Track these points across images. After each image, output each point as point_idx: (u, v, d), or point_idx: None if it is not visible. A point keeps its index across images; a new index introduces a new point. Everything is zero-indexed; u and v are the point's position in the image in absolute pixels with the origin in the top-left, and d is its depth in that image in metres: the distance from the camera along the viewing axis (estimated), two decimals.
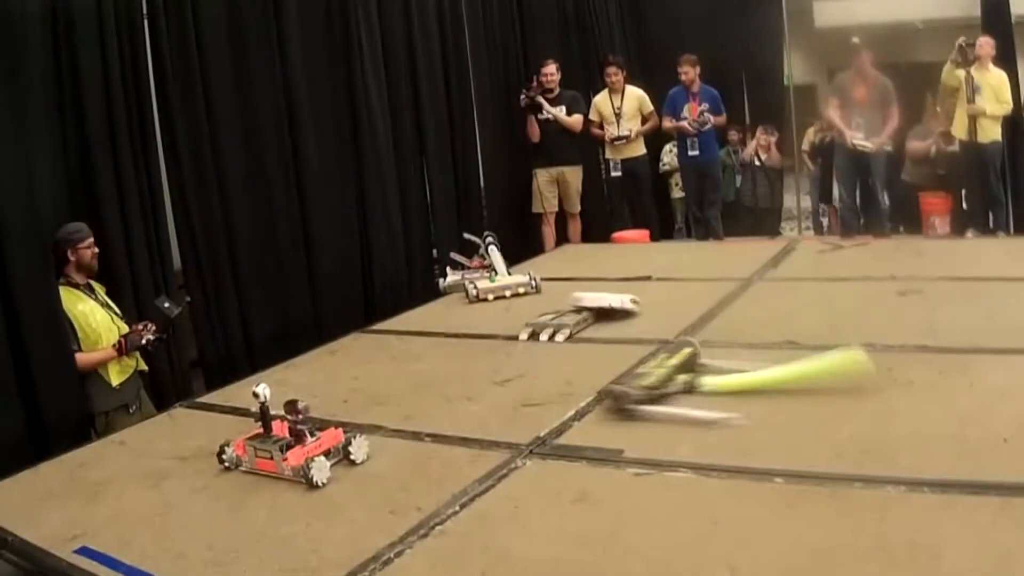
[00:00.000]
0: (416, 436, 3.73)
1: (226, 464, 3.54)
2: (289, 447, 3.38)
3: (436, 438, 3.69)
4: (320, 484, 3.27)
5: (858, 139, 9.50)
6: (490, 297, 6.13)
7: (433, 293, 6.93)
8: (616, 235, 9.08)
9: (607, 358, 4.51)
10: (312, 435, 3.42)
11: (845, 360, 3.82)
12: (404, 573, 2.66)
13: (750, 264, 6.41)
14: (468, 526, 2.92)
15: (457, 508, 3.02)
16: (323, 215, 7.13)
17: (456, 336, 5.39)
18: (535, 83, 9.60)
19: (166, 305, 5.30)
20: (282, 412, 3.50)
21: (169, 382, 5.85)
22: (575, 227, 10.00)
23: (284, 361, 5.09)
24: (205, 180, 6.31)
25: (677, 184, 11.22)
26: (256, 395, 3.51)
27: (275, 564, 2.75)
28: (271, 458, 3.40)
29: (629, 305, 5.29)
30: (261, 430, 3.54)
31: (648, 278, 6.17)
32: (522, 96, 9.55)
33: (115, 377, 5.11)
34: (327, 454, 3.40)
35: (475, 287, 6.17)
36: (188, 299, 6.01)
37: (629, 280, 6.22)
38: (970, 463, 2.99)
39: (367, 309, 7.28)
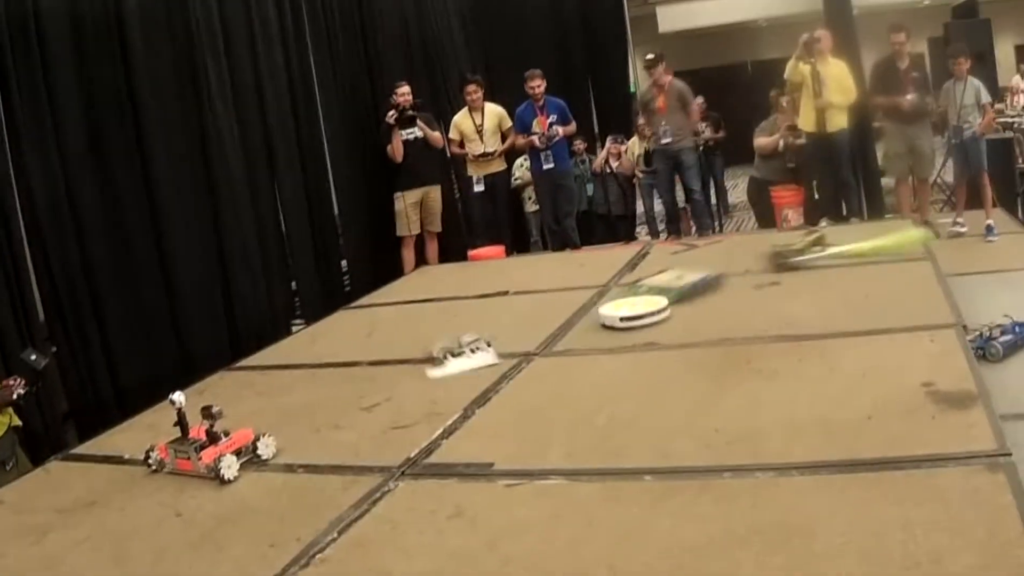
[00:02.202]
0: (289, 468, 3.75)
1: (152, 466, 3.85)
2: (204, 447, 3.70)
3: (308, 468, 3.72)
4: (229, 479, 3.62)
5: (664, 142, 10.01)
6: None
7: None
8: (472, 252, 9.10)
9: (469, 378, 4.55)
10: (225, 435, 3.74)
11: (912, 236, 5.96)
12: None
13: (607, 270, 6.47)
14: (347, 552, 2.95)
15: (335, 535, 3.05)
16: (182, 258, 7.09)
17: (319, 366, 5.36)
18: (393, 105, 9.49)
19: (32, 357, 5.19)
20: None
21: (43, 436, 5.77)
22: (433, 248, 9.91)
23: (153, 406, 4.98)
24: (63, 231, 6.26)
25: (531, 198, 11.28)
26: (172, 402, 3.81)
27: None
28: (188, 458, 3.73)
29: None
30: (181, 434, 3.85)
31: (505, 293, 6.18)
32: (391, 114, 9.39)
33: None
34: (238, 453, 3.73)
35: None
36: (54, 349, 5.96)
37: (487, 296, 6.26)
38: (837, 443, 3.08)
39: (232, 348, 7.16)
